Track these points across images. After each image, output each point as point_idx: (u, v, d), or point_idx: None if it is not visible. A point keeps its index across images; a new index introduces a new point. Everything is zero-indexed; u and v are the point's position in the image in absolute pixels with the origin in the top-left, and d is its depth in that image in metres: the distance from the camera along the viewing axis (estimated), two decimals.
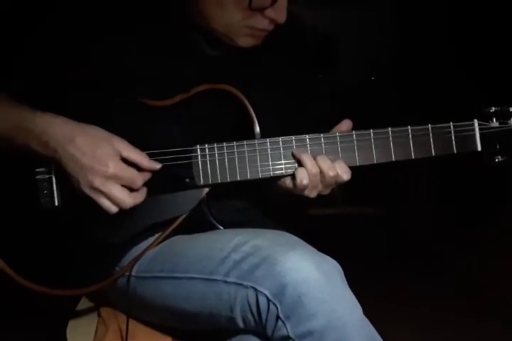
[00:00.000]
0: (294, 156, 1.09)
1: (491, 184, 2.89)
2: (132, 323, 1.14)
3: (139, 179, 1.03)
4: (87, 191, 1.02)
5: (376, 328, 0.97)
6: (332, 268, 0.98)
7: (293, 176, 1.08)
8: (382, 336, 0.98)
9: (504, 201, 2.91)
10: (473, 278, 2.51)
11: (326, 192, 1.10)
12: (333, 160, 1.07)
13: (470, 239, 2.82)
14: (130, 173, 1.02)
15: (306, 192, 1.08)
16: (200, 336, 1.14)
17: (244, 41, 1.13)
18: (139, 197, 1.05)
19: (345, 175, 1.07)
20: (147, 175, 1.05)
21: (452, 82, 2.90)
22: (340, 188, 1.15)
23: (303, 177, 1.06)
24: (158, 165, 1.06)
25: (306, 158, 1.06)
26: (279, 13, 1.09)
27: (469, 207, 2.95)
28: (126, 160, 1.03)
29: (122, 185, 1.02)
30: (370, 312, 0.97)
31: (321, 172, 1.06)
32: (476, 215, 2.92)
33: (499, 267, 2.48)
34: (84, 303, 1.28)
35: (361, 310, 0.97)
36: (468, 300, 2.35)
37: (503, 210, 2.88)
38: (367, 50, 3.24)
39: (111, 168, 1.01)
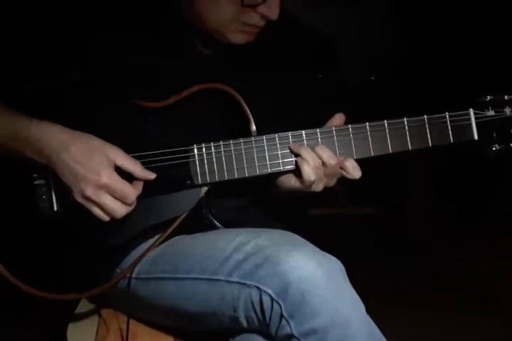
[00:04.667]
0: (291, 151, 1.08)
1: (491, 183, 2.90)
2: (133, 323, 1.14)
3: (131, 194, 1.02)
4: (80, 200, 1.02)
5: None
6: (335, 266, 0.98)
7: (298, 174, 1.07)
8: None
9: (504, 200, 2.91)
10: (473, 277, 2.51)
11: (332, 183, 1.09)
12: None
13: (470, 238, 2.81)
14: (122, 186, 1.02)
15: (314, 187, 1.07)
16: (202, 335, 1.14)
17: (236, 37, 1.13)
18: (131, 206, 1.04)
19: (356, 173, 1.06)
20: (140, 189, 1.05)
21: (449, 75, 2.90)
22: (341, 188, 1.14)
23: (309, 173, 1.05)
24: (152, 176, 1.05)
25: (305, 152, 1.06)
26: (272, 10, 1.08)
27: (469, 206, 2.95)
28: (121, 171, 1.03)
29: (114, 198, 1.02)
30: (370, 311, 0.97)
31: (323, 162, 1.05)
32: (476, 214, 2.92)
33: (499, 266, 2.47)
34: (84, 304, 1.27)
35: (364, 308, 0.97)
36: (468, 299, 2.34)
37: (504, 209, 2.87)
38: (367, 49, 3.25)
39: (103, 178, 1.00)
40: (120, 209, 1.02)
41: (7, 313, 1.40)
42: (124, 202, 1.02)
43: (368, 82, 3.24)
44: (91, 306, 1.27)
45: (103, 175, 1.00)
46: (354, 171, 1.06)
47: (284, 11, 1.10)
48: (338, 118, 1.11)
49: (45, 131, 1.03)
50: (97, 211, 1.02)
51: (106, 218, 1.03)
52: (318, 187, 1.08)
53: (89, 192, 1.00)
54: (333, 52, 3.21)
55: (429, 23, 3.16)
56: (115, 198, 1.02)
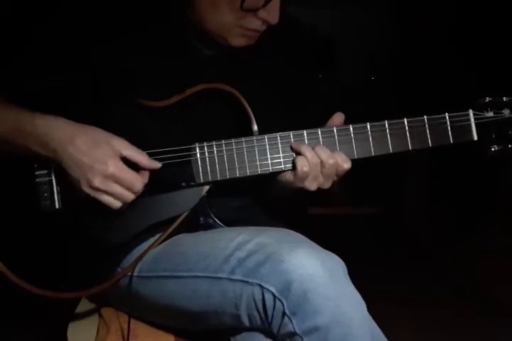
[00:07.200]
0: (292, 149, 1.08)
1: (491, 183, 2.90)
2: (134, 322, 1.14)
3: (138, 182, 1.03)
4: (88, 190, 1.02)
5: None
6: (336, 264, 0.98)
7: (293, 166, 1.07)
8: None
9: (503, 200, 2.92)
10: (473, 278, 2.51)
11: (327, 185, 1.09)
12: (332, 151, 1.07)
13: (469, 238, 2.81)
14: (129, 175, 1.02)
15: (307, 184, 1.07)
16: (203, 334, 1.14)
17: (237, 41, 1.14)
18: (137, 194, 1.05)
19: (346, 164, 1.07)
20: (146, 178, 1.05)
21: (448, 76, 2.91)
22: (341, 188, 1.15)
23: (303, 165, 1.05)
24: (158, 164, 1.06)
25: (306, 149, 1.06)
26: (272, 14, 1.09)
27: (469, 206, 2.95)
28: (127, 161, 1.04)
29: (122, 186, 1.02)
30: (370, 310, 0.97)
31: (321, 161, 1.06)
32: (476, 215, 2.92)
33: (499, 267, 2.47)
34: (84, 304, 1.27)
35: (365, 306, 0.97)
36: (468, 300, 2.34)
37: (503, 209, 2.88)
38: (367, 49, 3.25)
39: (110, 167, 1.01)
40: (129, 196, 1.03)
41: (7, 312, 1.40)
42: (131, 191, 1.03)
43: (368, 82, 3.25)
44: (91, 306, 1.27)
45: (110, 164, 1.01)
46: (343, 163, 1.06)
47: (283, 11, 1.11)
48: (338, 118, 1.12)
49: (50, 124, 1.03)
50: (106, 198, 1.02)
51: (117, 204, 1.03)
52: (312, 186, 1.07)
53: (97, 182, 1.01)
54: (333, 53, 3.21)
55: (429, 24, 3.16)
56: (122, 187, 1.02)
